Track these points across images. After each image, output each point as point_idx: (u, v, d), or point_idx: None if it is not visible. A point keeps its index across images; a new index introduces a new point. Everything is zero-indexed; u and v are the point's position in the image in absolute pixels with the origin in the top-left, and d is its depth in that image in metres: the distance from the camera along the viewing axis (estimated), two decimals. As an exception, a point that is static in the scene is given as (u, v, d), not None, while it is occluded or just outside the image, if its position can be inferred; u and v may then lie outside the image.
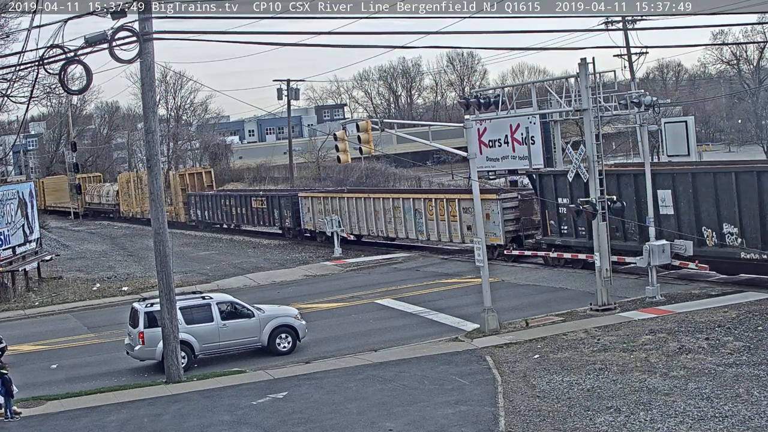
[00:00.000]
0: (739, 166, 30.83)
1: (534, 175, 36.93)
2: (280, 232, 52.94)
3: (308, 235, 49.77)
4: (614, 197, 26.89)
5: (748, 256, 27.18)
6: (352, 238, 45.98)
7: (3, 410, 19.57)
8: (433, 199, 40.60)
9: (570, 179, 31.56)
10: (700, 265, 28.82)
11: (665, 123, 52.33)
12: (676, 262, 29.21)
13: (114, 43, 20.16)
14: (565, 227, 34.31)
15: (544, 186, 35.48)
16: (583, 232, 32.81)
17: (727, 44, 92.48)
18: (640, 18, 52.59)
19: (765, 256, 26.50)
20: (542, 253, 35.48)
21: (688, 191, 29.50)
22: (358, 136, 25.80)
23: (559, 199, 34.20)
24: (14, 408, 19.74)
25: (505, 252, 36.58)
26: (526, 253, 36.20)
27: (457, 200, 39.07)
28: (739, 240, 27.84)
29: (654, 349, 20.90)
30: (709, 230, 28.92)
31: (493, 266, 32.77)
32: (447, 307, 29.15)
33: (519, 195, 37.78)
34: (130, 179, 73.64)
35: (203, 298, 24.99)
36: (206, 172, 68.91)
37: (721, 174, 28.55)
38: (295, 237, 50.76)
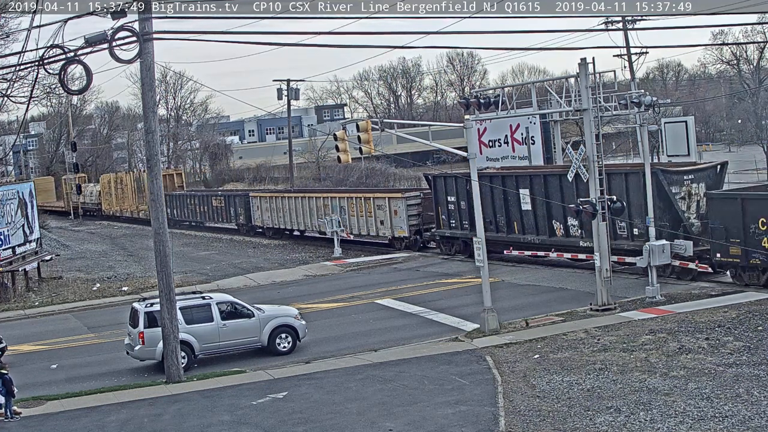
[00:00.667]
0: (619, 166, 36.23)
1: (429, 177, 41.59)
2: (236, 227, 57.83)
3: (260, 230, 54.73)
4: (614, 197, 26.87)
5: (586, 244, 31.85)
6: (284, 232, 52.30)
7: (3, 410, 19.57)
8: (354, 198, 45.30)
9: (462, 179, 36.15)
10: (700, 265, 28.85)
11: (665, 123, 52.34)
12: (676, 262, 29.23)
13: (114, 43, 20.15)
14: (453, 221, 39.33)
15: (437, 186, 40.23)
16: (466, 225, 38.21)
17: (727, 44, 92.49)
18: (640, 18, 52.58)
19: (590, 244, 29.99)
20: (444, 243, 40.56)
21: (542, 190, 34.37)
22: (358, 136, 25.81)
23: (449, 197, 39.20)
24: (14, 408, 19.74)
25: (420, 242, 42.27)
26: (430, 245, 42.30)
27: (372, 199, 43.81)
28: (579, 231, 32.91)
29: (654, 349, 20.90)
30: (558, 223, 34.12)
31: (493, 266, 32.77)
32: (447, 307, 29.14)
33: (421, 194, 42.32)
34: (111, 180, 78.73)
35: (203, 298, 24.99)
36: (177, 174, 73.74)
37: (564, 176, 31.33)
38: (248, 232, 55.80)
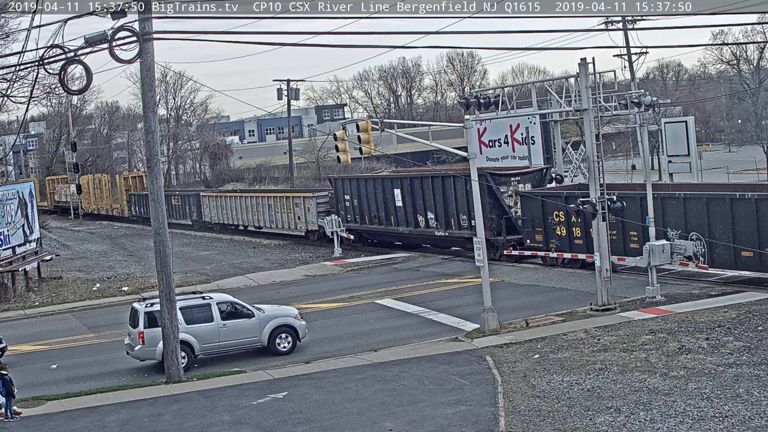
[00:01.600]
0: (436, 171, 44.50)
1: (331, 179, 50.02)
2: (191, 223, 64.05)
3: (209, 226, 60.67)
4: (614, 197, 26.88)
5: (439, 234, 40.38)
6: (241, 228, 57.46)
7: (3, 410, 19.57)
8: (278, 197, 51.67)
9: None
10: (700, 265, 28.87)
11: (665, 123, 52.34)
12: (676, 263, 29.25)
13: (114, 43, 20.14)
14: (349, 216, 46.10)
15: (337, 187, 47.24)
16: (358, 219, 45.41)
17: (727, 44, 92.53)
18: (640, 18, 52.63)
19: (446, 233, 39.85)
20: (350, 234, 45.57)
21: (409, 190, 41.68)
22: (358, 136, 25.80)
23: (345, 196, 46.08)
24: (14, 408, 19.74)
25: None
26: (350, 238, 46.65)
27: (291, 198, 50.44)
28: (435, 223, 40.28)
29: (654, 349, 20.90)
30: (421, 217, 41.04)
31: (493, 266, 32.78)
32: (447, 307, 29.15)
33: (329, 194, 48.08)
34: (90, 181, 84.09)
35: (203, 298, 24.99)
36: (146, 175, 75.56)
37: (426, 178, 40.74)
38: (200, 228, 62.14)
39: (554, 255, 34.44)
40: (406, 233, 42.60)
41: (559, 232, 33.98)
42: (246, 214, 54.97)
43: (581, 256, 32.80)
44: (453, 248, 41.94)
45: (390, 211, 43.01)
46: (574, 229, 33.19)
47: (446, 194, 39.28)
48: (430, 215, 40.30)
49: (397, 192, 42.11)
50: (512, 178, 37.52)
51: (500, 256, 36.87)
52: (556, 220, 33.92)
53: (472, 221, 33.20)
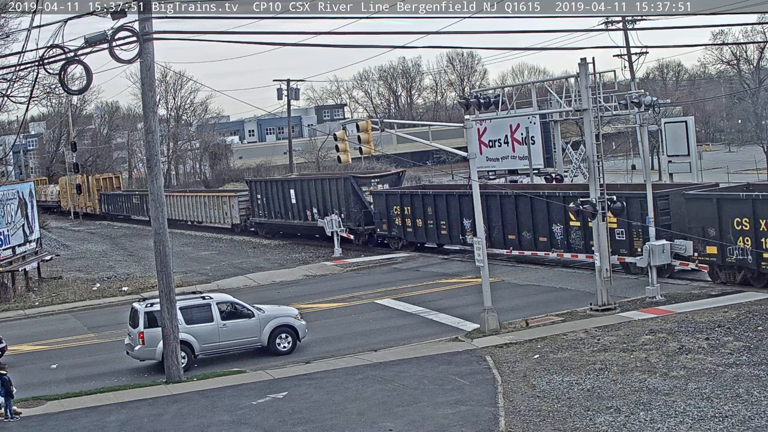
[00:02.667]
0: (318, 175, 56.39)
1: (248, 181, 58.65)
2: (147, 219, 67.26)
3: (168, 222, 65.77)
4: (614, 197, 26.88)
5: (320, 225, 46.55)
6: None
7: (3, 410, 19.57)
8: (211, 197, 61.47)
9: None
10: (700, 265, 28.87)
11: (665, 123, 52.33)
12: (676, 263, 29.25)
13: (114, 43, 20.13)
14: (261, 212, 54.08)
15: (252, 188, 55.62)
16: (265, 214, 53.63)
17: (727, 44, 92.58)
18: (640, 18, 52.62)
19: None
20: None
21: (300, 190, 49.72)
22: (358, 136, 25.80)
23: (257, 196, 54.07)
24: (14, 408, 19.74)
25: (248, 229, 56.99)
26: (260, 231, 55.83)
27: (220, 197, 60.24)
28: (317, 216, 47.47)
29: (654, 349, 20.90)
30: (308, 212, 48.97)
31: (493, 266, 32.77)
32: (447, 307, 29.15)
33: (248, 193, 56.23)
34: (67, 182, 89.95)
35: (203, 298, 24.99)
36: (115, 177, 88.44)
37: (311, 180, 49.80)
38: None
39: (395, 242, 43.68)
40: (298, 225, 50.87)
41: (398, 223, 42.97)
42: (189, 211, 63.77)
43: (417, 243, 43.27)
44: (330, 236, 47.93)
45: (288, 207, 51.30)
46: (406, 219, 42.45)
47: (324, 193, 47.52)
48: (315, 210, 48.57)
49: (292, 192, 50.45)
50: (372, 180, 46.54)
51: (362, 242, 45.85)
52: (396, 213, 42.88)
53: (343, 214, 45.42)
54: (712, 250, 28.11)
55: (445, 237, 39.96)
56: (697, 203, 28.64)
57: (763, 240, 26.40)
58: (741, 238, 27.10)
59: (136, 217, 74.72)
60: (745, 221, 26.69)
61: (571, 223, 33.19)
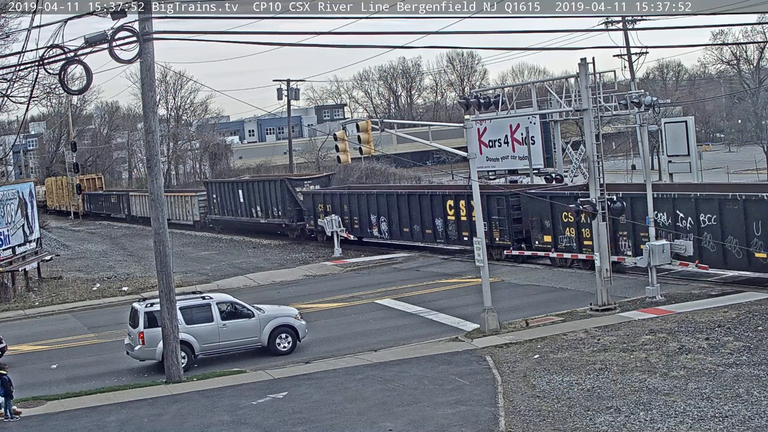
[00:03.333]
0: (262, 177, 62.99)
1: (205, 182, 68.44)
2: (124, 217, 78.33)
3: (136, 219, 74.57)
4: (614, 197, 26.88)
5: (262, 221, 54.18)
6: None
7: (3, 410, 19.56)
8: (175, 196, 67.82)
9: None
10: (700, 265, 28.87)
11: (665, 123, 52.30)
12: (676, 262, 29.25)
13: (114, 43, 20.13)
14: (216, 209, 60.58)
15: (209, 189, 62.61)
16: (219, 212, 59.93)
17: (727, 44, 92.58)
18: (640, 18, 52.62)
19: (266, 221, 53.71)
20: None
21: (246, 190, 56.00)
22: (358, 136, 25.79)
23: (213, 196, 60.81)
24: (14, 408, 19.74)
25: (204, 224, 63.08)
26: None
27: (182, 196, 67.08)
28: (261, 213, 53.86)
29: (654, 349, 20.90)
30: (254, 210, 54.83)
31: (493, 266, 32.79)
32: (447, 307, 29.15)
33: (206, 193, 63.15)
34: (53, 183, 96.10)
35: (203, 298, 24.98)
36: (98, 178, 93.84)
37: (254, 182, 55.96)
38: (130, 221, 76.04)
39: (321, 235, 48.88)
40: (245, 221, 56.79)
41: (321, 218, 48.40)
42: (140, 206, 72.18)
43: (372, 240, 47.05)
44: (272, 231, 54.78)
45: (237, 205, 57.32)
46: (352, 217, 46.58)
47: (265, 193, 53.40)
48: (258, 208, 54.58)
49: (240, 192, 56.72)
50: (305, 182, 52.50)
51: (296, 235, 51.65)
52: (320, 210, 48.14)
53: (279, 212, 52.23)
54: (548, 238, 34.76)
55: (357, 230, 46.20)
56: (536, 202, 34.85)
57: (582, 230, 32.76)
58: (568, 228, 33.69)
59: (115, 215, 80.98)
60: (570, 215, 31.28)
61: (449, 218, 39.91)
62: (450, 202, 39.68)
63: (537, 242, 35.31)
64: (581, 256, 33.08)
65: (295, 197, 50.67)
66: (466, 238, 38.31)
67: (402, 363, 21.93)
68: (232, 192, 57.88)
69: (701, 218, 28.90)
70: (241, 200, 56.36)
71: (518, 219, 36.36)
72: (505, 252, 36.80)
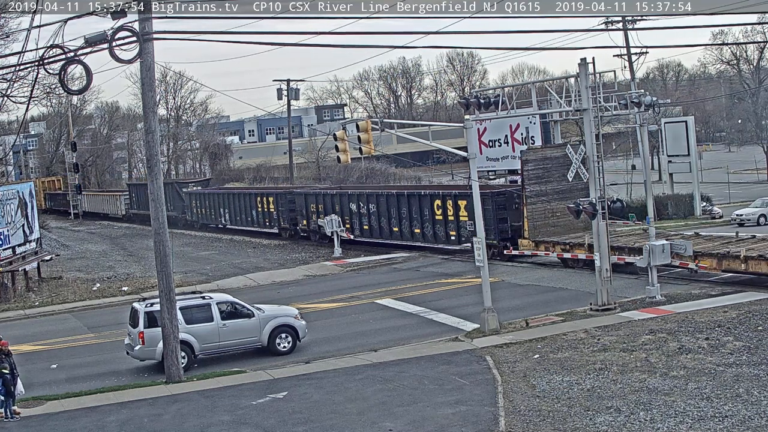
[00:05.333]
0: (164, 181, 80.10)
1: (127, 185, 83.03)
2: (79, 212, 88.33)
3: (87, 215, 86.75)
4: (614, 197, 26.88)
5: (233, 227, 60.99)
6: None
7: (3, 410, 19.56)
8: (110, 195, 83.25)
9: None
10: (700, 265, 28.88)
11: (665, 123, 52.28)
12: (677, 262, 29.26)
13: (114, 43, 20.13)
14: (135, 206, 74.47)
15: (131, 189, 77.69)
16: (137, 209, 73.48)
17: (727, 44, 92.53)
18: (640, 18, 52.64)
19: (179, 215, 66.16)
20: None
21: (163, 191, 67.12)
22: (358, 136, 25.79)
23: (133, 195, 74.55)
24: (14, 408, 19.74)
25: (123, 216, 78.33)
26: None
27: (113, 195, 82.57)
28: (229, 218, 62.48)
29: (654, 349, 20.90)
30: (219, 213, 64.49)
31: (493, 266, 32.79)
32: (447, 307, 29.14)
33: (128, 192, 78.50)
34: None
35: (203, 298, 24.97)
36: (57, 180, 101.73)
37: (168, 184, 63.88)
38: (84, 217, 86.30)
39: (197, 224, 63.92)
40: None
41: (197, 212, 64.10)
42: (101, 205, 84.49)
43: (219, 226, 61.54)
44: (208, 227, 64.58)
45: (146, 202, 77.60)
46: (202, 209, 61.37)
47: (164, 193, 62.62)
48: (224, 212, 62.69)
49: (147, 192, 62.17)
50: (189, 184, 69.23)
51: (181, 225, 63.98)
52: (196, 205, 63.56)
53: (171, 206, 62.45)
54: (305, 223, 50.01)
55: (212, 219, 61.99)
56: (301, 196, 50.62)
57: (321, 216, 47.14)
58: (314, 216, 48.58)
59: (72, 211, 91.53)
60: (319, 206, 48.44)
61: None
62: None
63: (301, 225, 50.32)
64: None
65: (181, 196, 66.27)
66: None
67: (402, 363, 21.93)
68: (144, 192, 66.97)
69: (370, 207, 45.01)
70: (187, 200, 70.23)
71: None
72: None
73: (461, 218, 39.04)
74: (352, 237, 46.09)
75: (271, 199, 53.29)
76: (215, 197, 61.76)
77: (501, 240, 37.04)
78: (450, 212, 39.76)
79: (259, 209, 54.46)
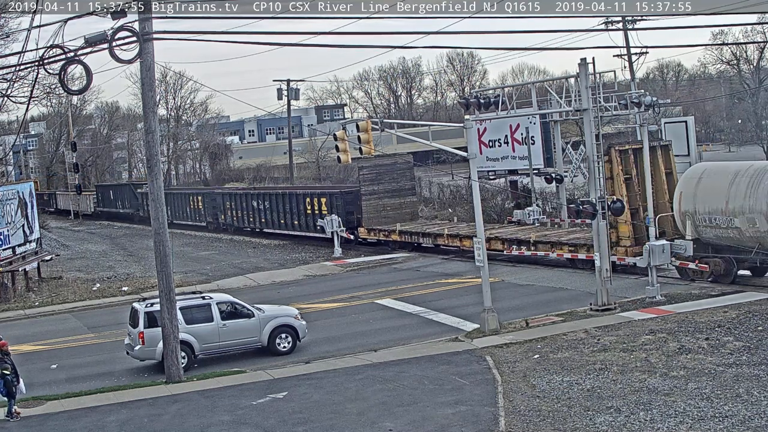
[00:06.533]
0: (122, 183, 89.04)
1: (95, 186, 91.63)
2: (53, 210, 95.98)
3: (65, 211, 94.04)
4: (614, 197, 26.88)
5: (122, 211, 76.55)
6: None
7: (7, 410, 19.57)
8: (66, 194, 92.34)
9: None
10: (700, 265, 28.87)
11: (665, 123, 52.31)
12: (676, 262, 29.26)
13: (114, 43, 20.13)
14: (101, 204, 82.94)
15: (98, 190, 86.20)
16: (102, 206, 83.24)
17: (727, 44, 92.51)
18: (640, 18, 52.62)
19: (123, 211, 77.62)
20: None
21: (112, 191, 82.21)
22: (358, 136, 25.78)
23: (100, 195, 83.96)
24: (14, 408, 19.73)
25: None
26: None
27: (84, 195, 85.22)
28: (121, 205, 75.52)
29: (654, 349, 20.90)
30: (118, 203, 76.20)
31: (493, 266, 32.79)
32: (447, 307, 29.14)
33: (95, 193, 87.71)
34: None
35: (203, 298, 24.98)
36: (34, 181, 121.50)
37: (115, 186, 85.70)
38: (57, 213, 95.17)
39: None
40: (113, 211, 79.62)
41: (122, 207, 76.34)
42: (71, 204, 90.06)
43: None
44: (126, 217, 77.17)
45: (110, 201, 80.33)
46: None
47: (123, 194, 78.27)
48: (119, 203, 77.32)
49: (111, 192, 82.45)
50: (144, 185, 68.71)
51: (137, 220, 72.94)
52: (146, 202, 62.76)
53: (129, 204, 75.56)
54: (223, 218, 58.91)
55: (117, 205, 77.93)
56: (219, 196, 61.56)
57: (242, 213, 56.80)
58: (230, 212, 57.55)
59: (48, 209, 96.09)
60: (233, 204, 57.53)
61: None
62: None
63: (219, 221, 60.08)
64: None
65: (136, 195, 74.20)
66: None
67: (402, 363, 21.93)
68: (108, 192, 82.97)
69: (275, 204, 52.81)
70: (112, 198, 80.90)
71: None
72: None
73: (323, 212, 47.45)
74: (258, 229, 56.68)
75: (200, 198, 64.61)
76: (173, 197, 74.86)
77: (348, 228, 45.49)
78: (316, 208, 48.41)
79: (192, 206, 65.40)
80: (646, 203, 29.35)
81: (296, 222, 50.86)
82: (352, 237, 45.84)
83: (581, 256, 33.12)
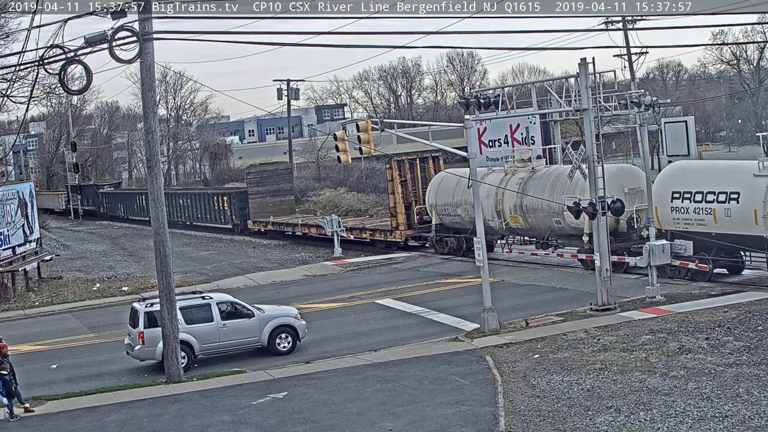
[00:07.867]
0: (88, 183, 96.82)
1: (66, 186, 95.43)
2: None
3: (41, 210, 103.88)
4: (614, 197, 26.88)
5: (87, 208, 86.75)
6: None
7: (8, 410, 19.58)
8: (55, 194, 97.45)
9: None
10: (700, 265, 28.88)
11: (665, 123, 52.16)
12: (676, 262, 29.26)
13: (114, 43, 20.13)
14: (75, 202, 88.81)
15: (68, 189, 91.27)
16: (77, 205, 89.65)
17: (727, 44, 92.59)
18: (640, 18, 52.59)
19: (87, 208, 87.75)
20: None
21: (82, 191, 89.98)
22: (358, 136, 25.78)
23: (71, 194, 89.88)
24: (15, 408, 19.73)
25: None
26: None
27: (57, 194, 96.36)
28: (86, 204, 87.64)
29: (654, 349, 20.90)
30: (85, 201, 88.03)
31: (493, 266, 32.80)
32: (447, 307, 29.14)
33: (67, 192, 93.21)
34: None
35: (203, 298, 24.98)
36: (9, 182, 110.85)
37: (87, 186, 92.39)
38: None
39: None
40: (83, 209, 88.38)
41: (110, 206, 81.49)
42: (50, 202, 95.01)
43: (121, 216, 78.34)
44: (90, 213, 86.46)
45: (78, 200, 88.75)
46: (114, 205, 72.90)
47: (89, 193, 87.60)
48: (86, 201, 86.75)
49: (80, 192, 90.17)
50: (105, 186, 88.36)
51: (99, 216, 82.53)
52: (106, 201, 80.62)
53: (92, 202, 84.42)
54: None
55: (114, 211, 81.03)
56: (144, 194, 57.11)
57: (172, 209, 60.80)
58: (166, 209, 55.77)
59: None
60: (167, 202, 61.49)
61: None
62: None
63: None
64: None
65: (98, 194, 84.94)
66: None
67: (402, 363, 21.93)
68: (77, 191, 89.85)
69: (194, 202, 63.05)
70: (79, 196, 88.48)
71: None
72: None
73: (225, 208, 58.76)
74: (187, 223, 65.69)
75: (143, 196, 68.96)
76: (116, 196, 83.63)
77: (241, 221, 57.00)
78: (225, 206, 58.97)
79: (137, 204, 74.28)
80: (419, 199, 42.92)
81: (208, 216, 61.84)
82: (239, 226, 57.83)
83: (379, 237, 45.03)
